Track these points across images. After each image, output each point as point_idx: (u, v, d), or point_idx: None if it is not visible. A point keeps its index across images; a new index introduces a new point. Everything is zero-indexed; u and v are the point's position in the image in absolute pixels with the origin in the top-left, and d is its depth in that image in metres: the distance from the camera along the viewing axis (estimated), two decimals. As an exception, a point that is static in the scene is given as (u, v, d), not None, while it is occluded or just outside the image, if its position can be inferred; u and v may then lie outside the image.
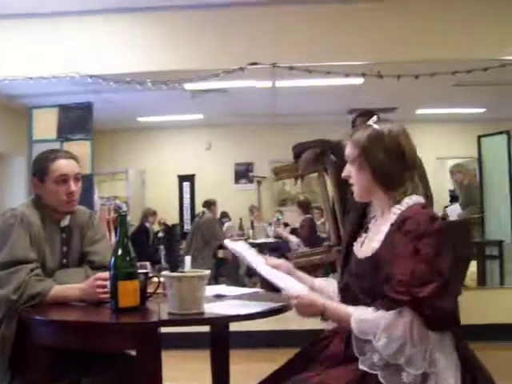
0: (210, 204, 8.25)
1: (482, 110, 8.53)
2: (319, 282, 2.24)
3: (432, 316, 1.67)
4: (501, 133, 6.75)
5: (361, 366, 1.74)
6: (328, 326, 2.11)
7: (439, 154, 8.97)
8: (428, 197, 3.93)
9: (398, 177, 1.92)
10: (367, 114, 4.03)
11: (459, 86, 6.50)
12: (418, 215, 1.80)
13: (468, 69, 5.23)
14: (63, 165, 2.43)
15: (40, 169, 2.44)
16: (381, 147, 1.93)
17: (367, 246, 1.96)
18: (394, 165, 1.92)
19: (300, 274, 2.25)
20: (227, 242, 2.17)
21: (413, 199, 1.90)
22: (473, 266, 6.31)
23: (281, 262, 2.28)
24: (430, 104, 8.29)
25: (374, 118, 2.04)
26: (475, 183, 7.35)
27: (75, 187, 2.45)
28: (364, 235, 2.06)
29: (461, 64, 5.21)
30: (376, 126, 1.97)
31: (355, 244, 2.08)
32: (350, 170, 2.02)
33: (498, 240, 6.68)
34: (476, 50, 5.16)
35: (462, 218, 5.88)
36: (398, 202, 1.90)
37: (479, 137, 7.06)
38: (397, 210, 1.88)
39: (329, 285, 2.22)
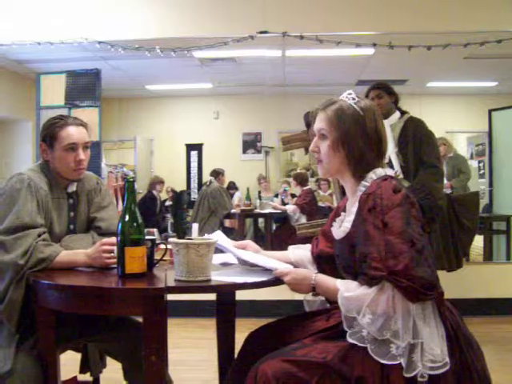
0: (217, 173, 8.24)
1: (494, 84, 8.43)
2: (293, 255, 2.27)
3: (411, 287, 1.66)
4: (512, 107, 6.71)
5: (350, 339, 1.76)
6: (313, 304, 2.15)
7: (449, 128, 8.88)
8: (441, 174, 3.95)
9: (371, 162, 1.91)
10: (380, 86, 4.01)
11: (471, 59, 6.42)
12: (379, 189, 1.80)
13: (481, 41, 5.16)
14: (72, 132, 2.42)
15: (49, 135, 2.43)
16: (362, 134, 1.90)
17: (342, 227, 1.97)
18: (371, 152, 1.91)
19: (269, 253, 2.30)
20: (207, 236, 2.17)
21: (377, 173, 1.90)
22: (479, 241, 6.31)
23: (247, 242, 2.33)
24: (440, 77, 8.19)
25: (352, 93, 1.96)
26: (457, 154, 7.33)
27: (84, 155, 2.44)
28: (343, 214, 2.06)
29: (474, 36, 5.14)
30: (357, 108, 1.92)
31: (334, 224, 2.08)
32: (318, 145, 1.98)
33: (506, 215, 6.66)
34: (490, 22, 5.08)
35: (473, 191, 5.87)
36: (363, 178, 1.90)
37: (490, 111, 7.00)
38: (362, 187, 1.89)
39: (303, 257, 2.24)
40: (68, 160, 2.41)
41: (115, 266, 2.09)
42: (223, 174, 8.39)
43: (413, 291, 1.67)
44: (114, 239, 2.15)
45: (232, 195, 8.86)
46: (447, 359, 1.70)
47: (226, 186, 8.68)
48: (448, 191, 6.19)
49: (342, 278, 1.92)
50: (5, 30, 5.36)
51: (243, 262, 2.22)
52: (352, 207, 1.93)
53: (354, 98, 1.94)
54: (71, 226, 2.50)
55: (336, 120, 1.92)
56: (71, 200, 2.51)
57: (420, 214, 1.81)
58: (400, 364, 1.68)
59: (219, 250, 2.25)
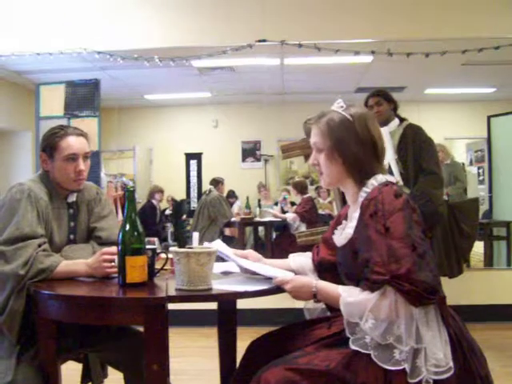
0: (217, 182, 8.25)
1: (492, 90, 8.45)
2: (294, 263, 2.27)
3: (413, 291, 1.67)
4: (511, 113, 6.70)
5: (353, 346, 1.76)
6: (313, 312, 2.15)
7: (448, 134, 8.90)
8: (441, 180, 3.96)
9: (369, 167, 1.92)
10: (379, 93, 4.03)
11: (469, 65, 6.44)
12: (380, 195, 1.81)
13: (479, 47, 5.18)
14: (73, 143, 2.41)
15: (49, 145, 2.42)
16: (354, 138, 1.91)
17: (344, 233, 1.98)
18: (366, 155, 1.92)
19: (270, 261, 2.30)
20: (208, 245, 2.17)
21: (378, 179, 1.90)
22: (479, 247, 6.30)
23: (248, 251, 2.32)
24: (439, 83, 8.22)
25: (340, 102, 1.98)
26: (454, 161, 7.30)
27: (84, 165, 2.44)
28: (344, 222, 2.07)
29: (472, 42, 5.16)
30: (346, 114, 1.94)
31: (336, 232, 2.09)
32: (317, 159, 2.00)
33: (506, 221, 6.66)
34: (488, 28, 5.10)
35: (473, 197, 5.87)
36: (364, 184, 1.91)
37: (489, 117, 7.01)
38: (363, 193, 1.90)
39: (303, 265, 2.24)
40: (68, 170, 2.41)
41: (116, 275, 2.08)
42: (223, 182, 8.40)
43: (415, 295, 1.67)
44: (114, 248, 2.14)
45: (232, 204, 8.86)
46: (451, 363, 1.70)
47: (225, 194, 8.68)
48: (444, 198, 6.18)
49: (344, 285, 1.92)
50: (4, 40, 5.38)
51: (245, 270, 2.21)
52: (354, 213, 1.94)
53: (342, 106, 1.97)
54: (71, 236, 2.49)
55: (327, 130, 1.94)
56: (71, 210, 2.50)
57: (421, 219, 1.82)
58: (403, 370, 1.68)
59: (220, 259, 2.24)
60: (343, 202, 4.26)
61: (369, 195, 1.85)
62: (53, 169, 2.43)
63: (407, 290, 1.67)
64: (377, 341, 1.71)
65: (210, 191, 8.04)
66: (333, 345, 1.89)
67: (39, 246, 2.21)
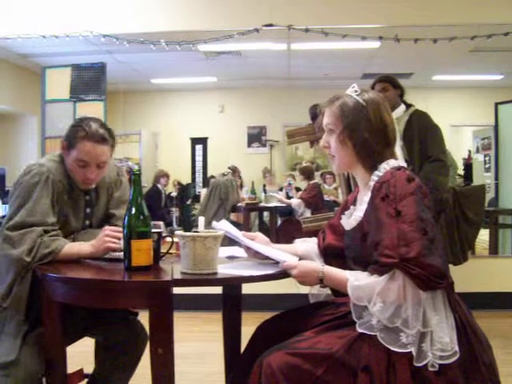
0: (234, 170, 8.31)
1: (500, 77, 8.39)
2: (300, 248, 2.26)
3: (422, 274, 1.67)
4: (519, 100, 6.67)
5: (359, 329, 1.77)
6: (318, 298, 2.15)
7: (455, 122, 8.85)
8: (447, 167, 3.94)
9: (380, 153, 1.92)
10: (385, 79, 4.00)
11: (477, 52, 6.39)
12: (393, 178, 1.82)
13: (488, 33, 5.13)
14: (88, 150, 2.31)
15: (69, 138, 2.36)
16: (365, 124, 1.91)
17: (353, 216, 1.99)
18: (377, 142, 1.92)
19: (276, 246, 2.28)
20: (215, 224, 2.15)
21: (390, 164, 1.91)
22: (485, 235, 6.29)
23: (256, 234, 2.30)
24: (446, 70, 8.16)
25: (355, 86, 1.99)
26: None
27: (93, 174, 2.36)
28: (352, 207, 2.07)
29: (480, 29, 5.11)
30: (359, 99, 1.94)
31: (343, 217, 2.09)
32: (328, 141, 2.00)
33: (512, 209, 6.65)
34: (497, 15, 5.05)
35: (479, 184, 5.84)
36: (377, 168, 1.92)
37: (497, 104, 6.97)
38: (375, 176, 1.90)
39: (310, 250, 2.24)
40: (77, 171, 2.36)
41: (120, 257, 2.08)
42: (239, 173, 8.46)
43: (424, 279, 1.68)
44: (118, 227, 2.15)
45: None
46: (456, 348, 1.71)
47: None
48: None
49: (351, 270, 1.92)
50: (10, 23, 5.36)
51: (253, 254, 2.20)
52: (364, 197, 1.94)
53: (356, 91, 1.97)
54: (87, 222, 2.48)
55: (340, 113, 1.94)
56: (87, 197, 2.48)
57: (432, 205, 1.82)
58: (407, 355, 1.69)
59: (225, 243, 2.23)
60: (348, 188, 4.26)
61: (381, 178, 1.86)
62: (67, 161, 2.39)
63: (416, 274, 1.67)
64: (384, 323, 1.71)
65: (227, 173, 8.06)
66: (335, 328, 1.89)
67: (46, 232, 2.19)
